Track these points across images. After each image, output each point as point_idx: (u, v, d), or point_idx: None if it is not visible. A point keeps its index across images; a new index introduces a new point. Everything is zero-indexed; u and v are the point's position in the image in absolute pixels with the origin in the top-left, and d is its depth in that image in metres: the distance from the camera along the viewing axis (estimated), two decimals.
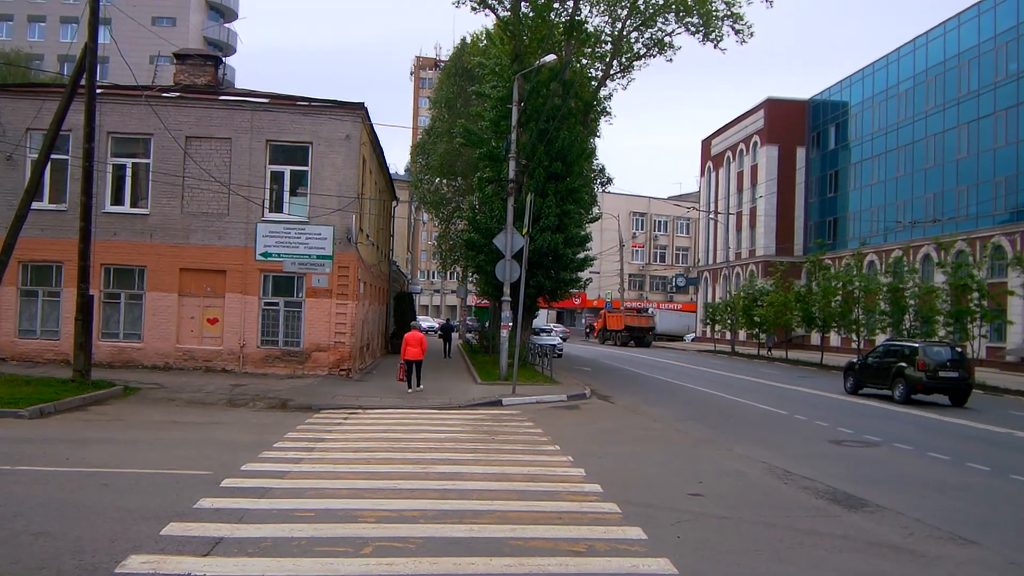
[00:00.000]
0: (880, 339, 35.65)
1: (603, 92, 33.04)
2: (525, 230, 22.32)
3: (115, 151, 23.18)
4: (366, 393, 19.95)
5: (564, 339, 57.02)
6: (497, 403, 19.22)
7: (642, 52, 31.31)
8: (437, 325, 69.06)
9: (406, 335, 20.64)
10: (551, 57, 24.53)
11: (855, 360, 27.08)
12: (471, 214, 31.89)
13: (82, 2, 18.93)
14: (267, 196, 23.03)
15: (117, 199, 23.23)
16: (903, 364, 23.09)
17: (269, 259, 22.67)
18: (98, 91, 20.17)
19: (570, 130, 28.81)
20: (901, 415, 20.26)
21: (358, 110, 23.14)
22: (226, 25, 75.58)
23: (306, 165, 23.15)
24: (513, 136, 24.53)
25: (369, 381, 23.18)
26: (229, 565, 6.48)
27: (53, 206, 22.74)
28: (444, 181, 44.90)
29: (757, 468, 11.96)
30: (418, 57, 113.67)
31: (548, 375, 25.06)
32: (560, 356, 37.80)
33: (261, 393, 18.81)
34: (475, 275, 35.90)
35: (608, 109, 34.93)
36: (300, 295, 23.05)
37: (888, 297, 35.38)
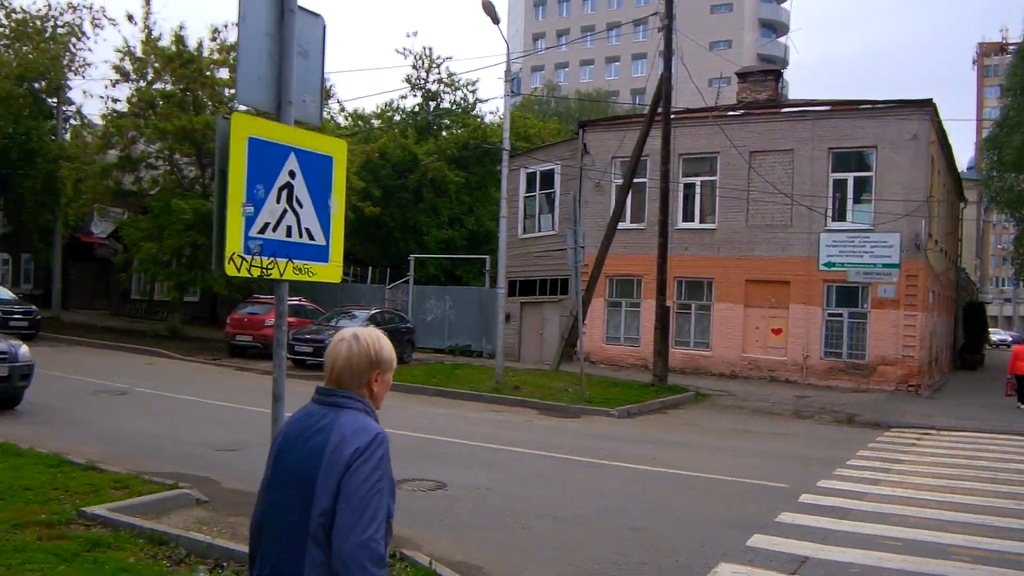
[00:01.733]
0: None
1: None
2: None
3: (685, 171, 24.90)
4: (939, 412, 18.22)
5: None
6: None
7: None
8: (1009, 338, 60.81)
9: (1015, 347, 20.92)
10: None
11: None
12: None
13: (651, 39, 20.69)
14: (829, 205, 22.53)
15: (687, 216, 24.92)
16: None
17: (832, 269, 22.13)
18: (672, 117, 21.93)
19: None
20: None
21: (925, 107, 21.35)
22: (778, 40, 76.15)
23: (869, 170, 22.14)
24: None
25: (940, 399, 21.17)
26: None
27: (634, 225, 25.28)
28: (1021, 177, 38.68)
29: None
30: (981, 44, 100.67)
31: None
32: None
33: (826, 406, 18.44)
34: None
35: None
36: (865, 305, 22.06)
37: None
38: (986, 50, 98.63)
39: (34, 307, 26.51)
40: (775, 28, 77.02)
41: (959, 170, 32.24)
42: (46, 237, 33.46)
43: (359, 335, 2.57)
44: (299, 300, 25.97)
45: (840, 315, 22.45)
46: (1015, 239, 45.20)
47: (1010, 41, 75.12)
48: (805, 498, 9.42)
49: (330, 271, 5.07)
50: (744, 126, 23.78)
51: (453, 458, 11.19)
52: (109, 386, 16.21)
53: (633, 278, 25.37)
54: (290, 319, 23.76)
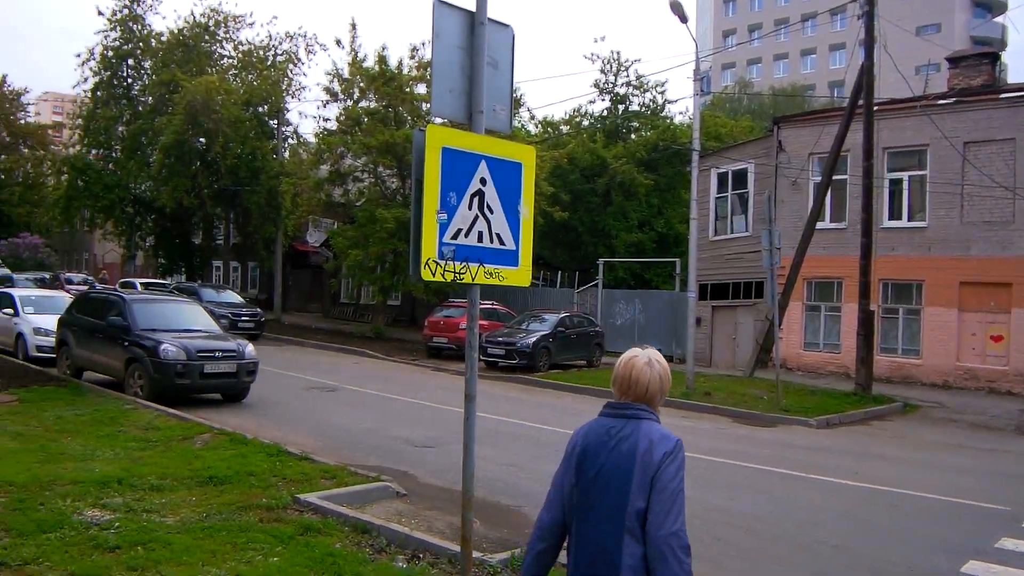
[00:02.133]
0: None
1: None
2: None
3: (890, 166, 23.36)
4: None
5: None
6: None
7: None
8: None
9: None
10: None
11: None
12: None
13: (850, 28, 19.58)
14: None
15: (894, 214, 23.35)
16: None
17: None
18: (874, 108, 20.66)
19: None
20: None
21: None
22: (994, 20, 69.57)
23: None
24: None
25: None
26: None
27: (834, 225, 24.00)
28: None
29: None
30: None
31: None
32: None
33: None
34: None
35: None
36: None
37: None
38: None
39: (259, 310, 29.20)
40: (990, 7, 70.40)
41: None
42: (269, 246, 36.65)
43: (652, 360, 2.99)
44: (491, 304, 26.79)
45: None
46: None
47: None
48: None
49: (519, 275, 5.20)
50: (956, 115, 21.94)
51: None
52: (321, 383, 17.49)
53: (833, 280, 24.06)
54: (482, 322, 25.13)
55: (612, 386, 3.05)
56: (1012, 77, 69.21)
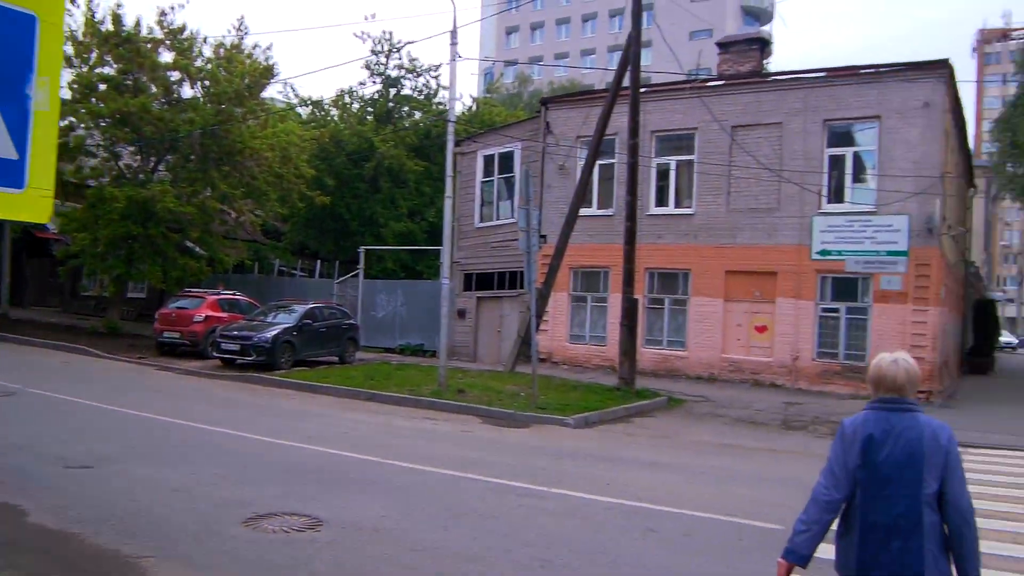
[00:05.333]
0: None
1: None
2: None
3: (660, 151, 22.19)
4: (961, 424, 15.41)
5: None
6: None
7: None
8: (1016, 340, 61.27)
9: None
10: None
11: None
12: None
13: (627, 30, 18.06)
14: (824, 185, 19.79)
15: (661, 200, 22.16)
16: None
17: (828, 257, 19.36)
18: (642, 89, 19.29)
19: None
20: None
21: (940, 69, 18.53)
22: (761, 28, 73.80)
23: (872, 145, 19.35)
24: None
25: (957, 408, 18.31)
26: None
27: (602, 212, 22.56)
28: None
29: None
30: (981, 30, 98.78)
31: None
32: None
33: (820, 415, 15.69)
34: None
35: None
36: (866, 299, 19.26)
37: None
38: (987, 36, 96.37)
39: None
40: (758, 16, 74.62)
41: (970, 151, 29.51)
42: None
43: (899, 360, 3.54)
44: (233, 294, 23.90)
45: (836, 310, 19.64)
46: None
47: (1014, 26, 73.71)
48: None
49: (30, 204, 3.28)
50: (725, 98, 21.01)
51: (350, 482, 8.54)
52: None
53: (600, 270, 22.50)
54: (222, 314, 21.64)
55: (870, 384, 3.63)
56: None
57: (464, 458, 10.03)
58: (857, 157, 19.83)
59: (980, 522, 3.53)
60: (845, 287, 19.55)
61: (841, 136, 19.92)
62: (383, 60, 34.49)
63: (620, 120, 19.22)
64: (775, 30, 71.85)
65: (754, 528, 7.25)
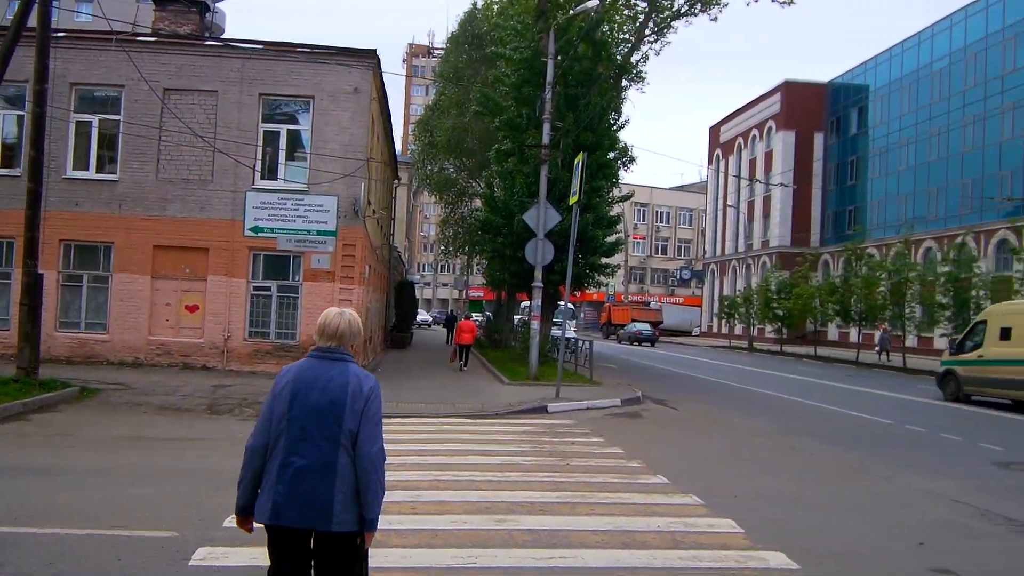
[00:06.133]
0: (937, 333, 32.27)
1: (635, 57, 29.35)
2: (575, 198, 18.63)
3: (81, 107, 19.56)
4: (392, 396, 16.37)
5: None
6: (542, 410, 15.73)
7: (683, 10, 27.48)
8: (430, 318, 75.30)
9: (460, 323, 24.57)
10: (593, 2, 20.96)
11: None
12: (488, 192, 28.37)
13: None
14: (259, 160, 19.41)
15: (80, 163, 19.57)
16: None
17: (260, 235, 19.06)
18: (60, 35, 16.69)
19: (601, 95, 25.33)
20: None
21: (369, 59, 19.48)
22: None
23: (306, 124, 19.57)
24: (548, 95, 20.94)
25: (382, 380, 19.49)
26: None
27: (6, 171, 19.15)
28: (451, 160, 40.97)
29: (968, 512, 8.49)
30: (411, 44, 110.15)
31: (586, 375, 21.57)
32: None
33: (249, 397, 15.29)
34: (485, 262, 32.32)
35: (643, 74, 30.76)
36: (296, 278, 19.46)
37: (948, 288, 31.93)
38: (415, 51, 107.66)
39: None
40: None
41: (395, 147, 31.95)
42: None
43: (344, 313, 3.79)
44: None
45: (268, 289, 19.47)
46: (441, 221, 48.05)
47: (436, 45, 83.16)
48: (200, 556, 5.87)
49: None
50: (159, 56, 19.36)
51: None
52: None
53: (2, 240, 19.09)
54: None
55: (316, 334, 3.77)
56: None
57: None
58: (292, 135, 19.89)
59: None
60: (277, 265, 19.54)
61: (277, 112, 19.81)
62: None
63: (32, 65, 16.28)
64: (228, 15, 69.58)
65: (141, 539, 6.30)
